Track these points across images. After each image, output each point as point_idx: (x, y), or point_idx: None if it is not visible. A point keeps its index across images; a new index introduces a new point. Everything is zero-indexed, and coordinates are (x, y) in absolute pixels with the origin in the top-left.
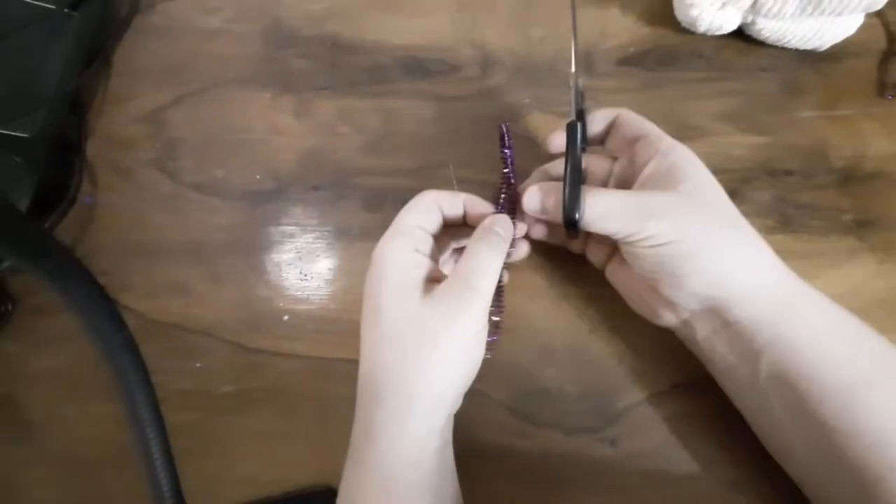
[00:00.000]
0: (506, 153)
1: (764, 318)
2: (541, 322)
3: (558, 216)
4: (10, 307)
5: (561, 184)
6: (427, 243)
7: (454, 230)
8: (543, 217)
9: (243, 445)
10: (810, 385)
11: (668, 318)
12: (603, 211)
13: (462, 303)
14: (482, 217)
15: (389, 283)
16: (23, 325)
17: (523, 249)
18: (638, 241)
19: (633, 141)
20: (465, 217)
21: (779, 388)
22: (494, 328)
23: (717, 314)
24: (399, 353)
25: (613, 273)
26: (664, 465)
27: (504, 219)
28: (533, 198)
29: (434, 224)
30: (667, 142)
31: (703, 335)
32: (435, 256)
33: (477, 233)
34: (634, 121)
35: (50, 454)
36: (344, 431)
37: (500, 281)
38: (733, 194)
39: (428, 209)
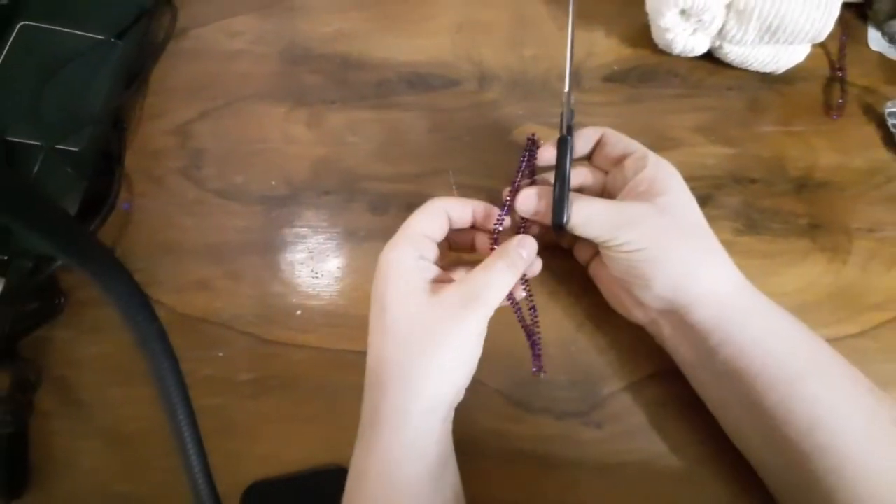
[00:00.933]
0: (522, 162)
1: (717, 320)
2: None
3: (548, 219)
4: (62, 300)
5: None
6: (432, 250)
7: (463, 233)
8: (535, 218)
9: (262, 427)
10: (756, 380)
11: (639, 316)
12: (585, 218)
13: (468, 310)
14: (490, 220)
15: (395, 285)
16: (73, 315)
17: (537, 267)
18: (614, 246)
19: (620, 158)
20: (474, 222)
21: (731, 382)
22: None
23: (677, 315)
24: (404, 349)
25: (595, 271)
26: (643, 444)
27: (531, 242)
28: (527, 201)
29: (440, 232)
30: (652, 158)
31: (668, 333)
32: (440, 261)
33: (500, 249)
34: (619, 140)
35: (97, 429)
36: (352, 416)
37: (532, 302)
38: (707, 199)
39: (435, 217)
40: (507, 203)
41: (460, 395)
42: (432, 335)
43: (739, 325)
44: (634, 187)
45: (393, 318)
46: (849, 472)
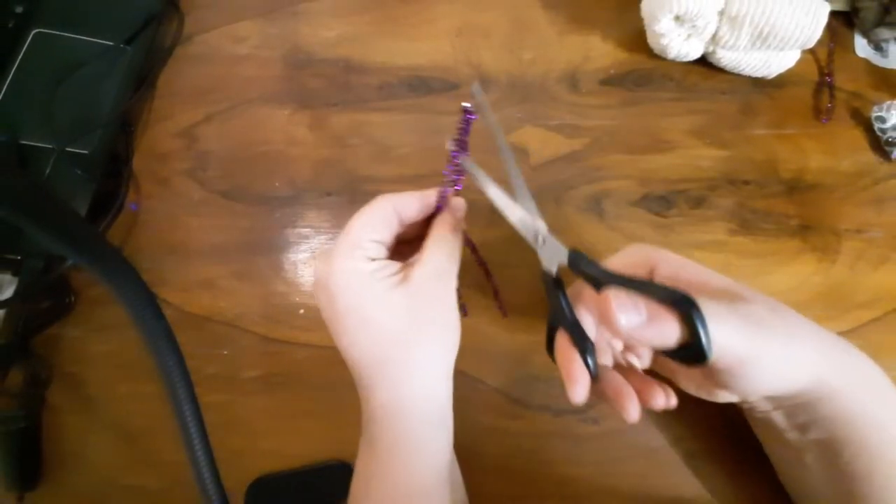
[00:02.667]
0: (462, 129)
1: (822, 396)
2: (532, 316)
3: (662, 340)
4: (72, 299)
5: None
6: (381, 252)
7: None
8: (641, 336)
9: (266, 423)
10: (848, 446)
11: (730, 398)
12: (726, 341)
13: (441, 288)
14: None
15: (367, 295)
16: (83, 314)
17: (463, 208)
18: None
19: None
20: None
21: (820, 449)
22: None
23: (786, 399)
24: (403, 344)
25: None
26: (640, 440)
27: (459, 201)
28: (627, 310)
29: (389, 234)
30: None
31: (762, 410)
32: (396, 256)
33: (439, 220)
34: (681, 266)
35: (106, 424)
36: (354, 412)
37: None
38: (701, 200)
39: (382, 219)
40: (448, 171)
41: (452, 364)
42: (421, 325)
43: (844, 397)
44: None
45: (381, 324)
46: None
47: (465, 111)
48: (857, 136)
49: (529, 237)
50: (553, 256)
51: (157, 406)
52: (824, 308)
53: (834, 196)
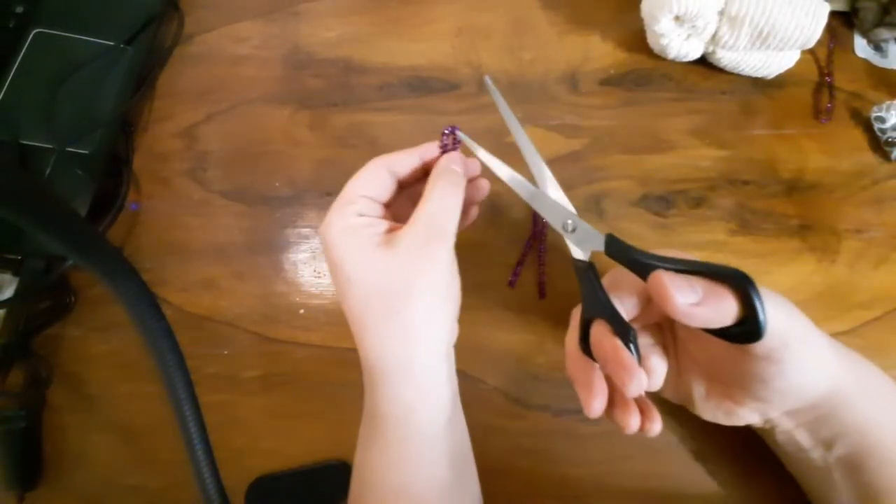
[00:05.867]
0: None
1: (841, 406)
2: (532, 316)
3: (716, 317)
4: (73, 298)
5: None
6: (375, 210)
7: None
8: (695, 313)
9: (266, 423)
10: (871, 459)
11: (750, 418)
12: (788, 315)
13: (434, 244)
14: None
15: (349, 251)
16: (84, 313)
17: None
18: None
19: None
20: (425, 167)
21: (844, 465)
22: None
23: (810, 411)
24: (386, 307)
25: (685, 381)
26: (639, 439)
27: (457, 155)
28: (681, 285)
29: (385, 191)
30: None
31: (785, 429)
32: (402, 219)
33: (433, 173)
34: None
35: (107, 424)
36: (354, 412)
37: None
38: (701, 200)
39: (374, 177)
40: (445, 137)
41: (454, 331)
42: (410, 284)
43: (862, 408)
44: None
45: (361, 282)
46: None
47: (446, 133)
48: (857, 136)
49: (524, 194)
50: (585, 243)
51: (157, 406)
52: (824, 308)
53: (834, 196)
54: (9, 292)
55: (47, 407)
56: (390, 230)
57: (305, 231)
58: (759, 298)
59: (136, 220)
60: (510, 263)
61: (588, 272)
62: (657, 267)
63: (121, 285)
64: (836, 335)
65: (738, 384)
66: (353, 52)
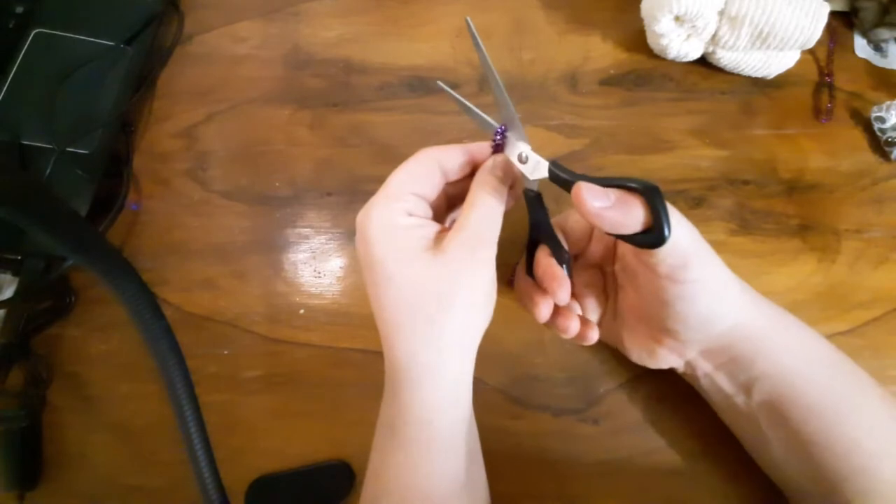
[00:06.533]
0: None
1: (758, 350)
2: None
3: (627, 224)
4: (72, 298)
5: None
6: (423, 209)
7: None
8: (609, 219)
9: (266, 423)
10: (795, 409)
11: (671, 359)
12: (688, 232)
13: (478, 256)
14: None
15: (396, 250)
16: (84, 313)
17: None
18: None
19: None
20: (473, 167)
21: (771, 414)
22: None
23: (716, 350)
24: (421, 314)
25: (610, 324)
26: (640, 439)
27: (501, 158)
28: (594, 195)
29: (432, 188)
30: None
31: (705, 372)
32: (439, 216)
33: (479, 177)
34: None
35: (107, 424)
36: (354, 412)
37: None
38: (701, 200)
39: (424, 171)
40: (497, 139)
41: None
42: (453, 292)
43: (779, 353)
44: None
45: (400, 284)
46: (880, 494)
47: (499, 132)
48: (857, 136)
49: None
50: (535, 172)
51: (157, 406)
52: (824, 308)
53: (834, 196)
54: (9, 292)
55: (47, 407)
56: (438, 232)
57: (305, 231)
58: (665, 209)
59: (135, 221)
60: (509, 263)
61: (535, 201)
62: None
63: (121, 285)
64: (837, 335)
65: (655, 321)
66: (353, 52)
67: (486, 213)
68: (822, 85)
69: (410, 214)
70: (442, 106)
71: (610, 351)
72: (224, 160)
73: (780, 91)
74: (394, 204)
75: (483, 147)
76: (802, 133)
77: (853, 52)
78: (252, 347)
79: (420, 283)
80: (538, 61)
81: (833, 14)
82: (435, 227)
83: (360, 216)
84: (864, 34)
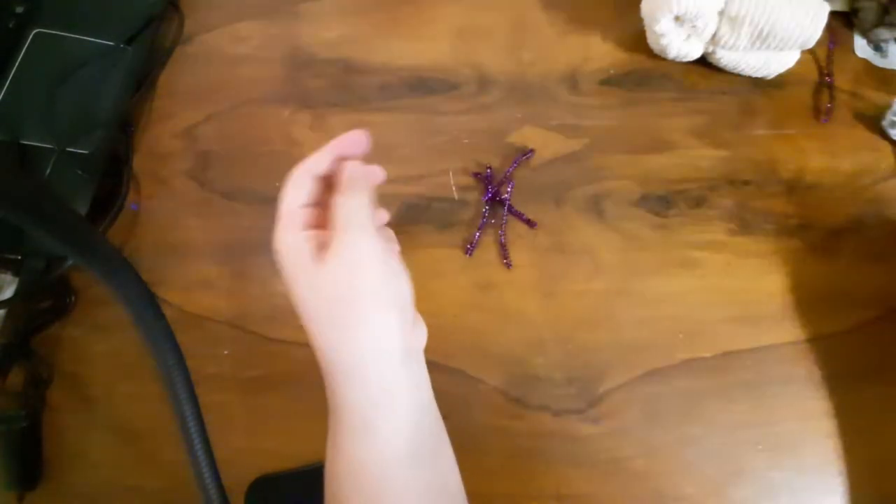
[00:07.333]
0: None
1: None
2: (531, 316)
3: None
4: (73, 299)
5: None
6: (312, 215)
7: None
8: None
9: (266, 423)
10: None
11: None
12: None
13: (353, 249)
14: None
15: (290, 270)
16: (84, 313)
17: (380, 174)
18: None
19: None
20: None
21: None
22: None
23: None
24: (332, 320)
25: None
26: (640, 439)
27: (355, 164)
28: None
29: (313, 194)
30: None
31: None
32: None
33: (342, 183)
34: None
35: (106, 424)
36: None
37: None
38: (702, 200)
39: (302, 185)
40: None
41: (417, 336)
42: (345, 293)
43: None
44: None
45: (306, 300)
46: None
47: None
48: (857, 137)
49: None
50: None
51: (157, 406)
52: (824, 308)
53: (834, 196)
54: (9, 292)
55: (47, 407)
56: (323, 242)
57: None
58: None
59: (136, 221)
60: (515, 265)
61: None
62: None
63: (121, 285)
64: (836, 335)
65: None
66: (353, 53)
67: (349, 209)
68: (822, 85)
69: (304, 228)
70: (442, 106)
71: (610, 351)
72: (224, 160)
73: (780, 91)
74: (291, 225)
75: (344, 142)
76: (802, 133)
77: (853, 52)
78: (252, 348)
79: (317, 294)
80: (538, 61)
81: (833, 14)
82: (322, 235)
83: (274, 247)
84: (864, 34)
